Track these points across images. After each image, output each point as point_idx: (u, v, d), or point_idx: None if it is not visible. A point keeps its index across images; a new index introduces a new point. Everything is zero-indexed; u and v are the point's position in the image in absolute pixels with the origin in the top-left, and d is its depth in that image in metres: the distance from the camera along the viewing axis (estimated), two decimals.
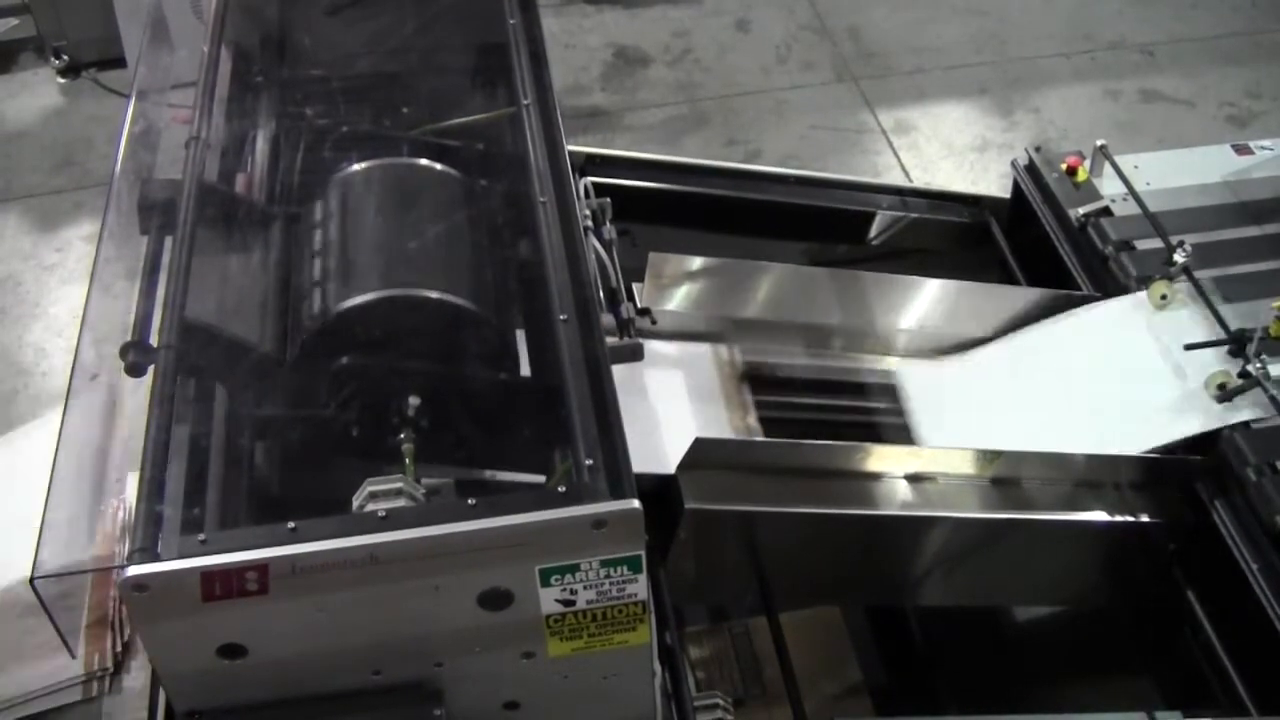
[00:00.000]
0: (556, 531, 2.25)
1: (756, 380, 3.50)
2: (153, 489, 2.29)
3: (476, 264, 2.86)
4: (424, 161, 3.09)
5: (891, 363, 3.66)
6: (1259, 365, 3.32)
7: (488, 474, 2.80)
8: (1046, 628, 3.84)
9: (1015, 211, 4.12)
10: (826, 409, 3.55)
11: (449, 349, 2.72)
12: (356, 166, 3.03)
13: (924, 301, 3.67)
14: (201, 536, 2.23)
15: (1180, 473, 3.30)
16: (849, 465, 3.11)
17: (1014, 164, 4.14)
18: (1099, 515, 3.23)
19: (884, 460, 3.11)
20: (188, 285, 2.62)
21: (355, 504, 2.36)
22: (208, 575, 2.18)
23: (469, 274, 2.81)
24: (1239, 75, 6.90)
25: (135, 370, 2.53)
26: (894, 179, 6.07)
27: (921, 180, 6.10)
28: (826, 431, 3.35)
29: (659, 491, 2.92)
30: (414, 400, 2.64)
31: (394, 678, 2.41)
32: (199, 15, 3.41)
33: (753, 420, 3.39)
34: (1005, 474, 3.20)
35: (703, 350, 3.51)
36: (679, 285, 3.49)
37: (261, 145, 3.24)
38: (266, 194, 3.12)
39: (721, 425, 3.33)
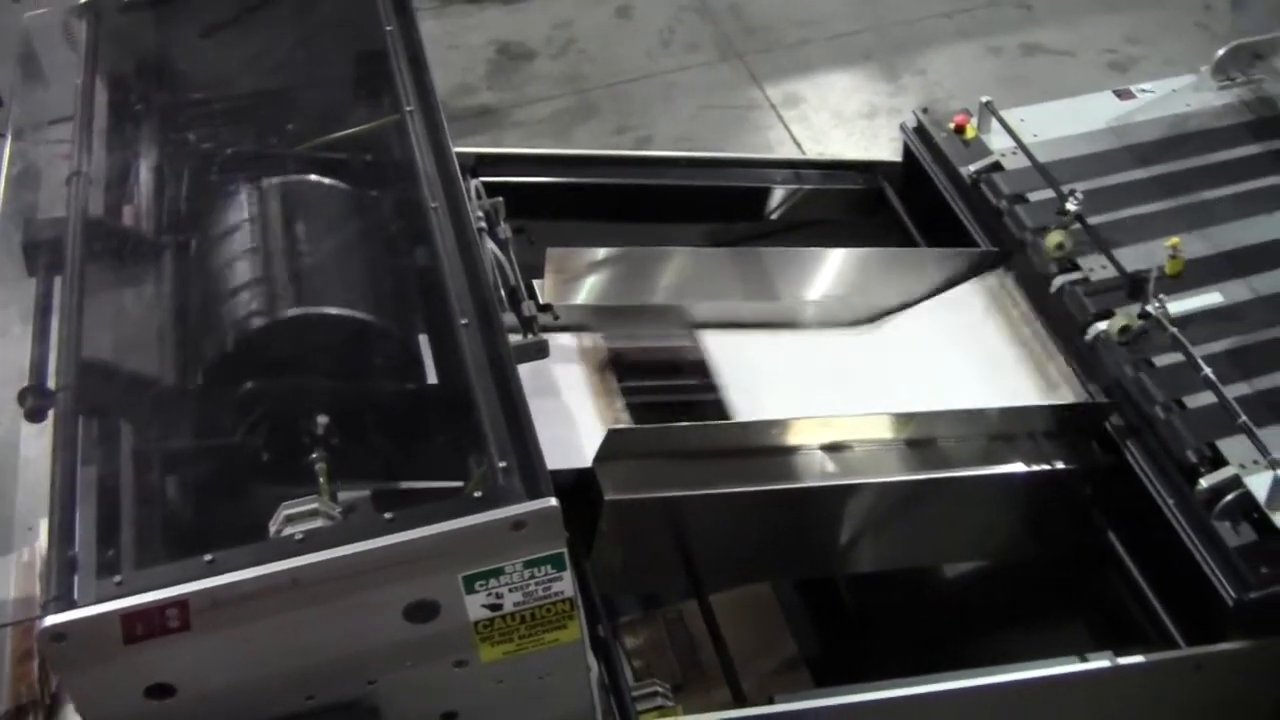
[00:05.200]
0: (476, 537, 2.24)
1: (625, 366, 3.50)
2: (63, 534, 2.26)
3: (373, 276, 2.84)
4: (312, 177, 3.06)
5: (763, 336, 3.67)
6: (1158, 305, 3.36)
7: (404, 485, 2.78)
8: (975, 583, 3.87)
9: (908, 174, 4.15)
10: (694, 389, 3.53)
11: (353, 364, 2.70)
12: (244, 188, 2.99)
13: (827, 272, 3.68)
14: (118, 578, 2.19)
15: (1091, 417, 3.33)
16: (765, 441, 3.11)
17: (903, 127, 4.16)
18: (1016, 466, 3.26)
19: (800, 433, 3.12)
20: (82, 324, 2.58)
21: (272, 529, 2.33)
22: (127, 617, 2.14)
23: (366, 287, 2.80)
24: (1117, 22, 6.97)
25: (35, 415, 2.50)
26: (787, 152, 6.09)
27: (814, 151, 6.12)
28: (696, 412, 3.35)
29: (578, 486, 2.91)
30: (322, 419, 2.62)
31: (328, 700, 2.39)
32: (72, 46, 3.35)
33: (620, 407, 3.37)
34: (921, 435, 3.22)
35: (568, 341, 3.50)
36: (581, 278, 3.49)
37: (146, 175, 3.20)
38: (155, 224, 3.08)
39: (589, 415, 3.32)
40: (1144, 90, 4.24)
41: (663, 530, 3.10)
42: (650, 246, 3.59)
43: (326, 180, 3.04)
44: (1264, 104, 4.17)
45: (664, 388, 3.46)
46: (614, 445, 2.92)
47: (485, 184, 3.42)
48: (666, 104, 6.52)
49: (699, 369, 3.50)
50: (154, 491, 2.61)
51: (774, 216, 4.17)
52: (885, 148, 4.55)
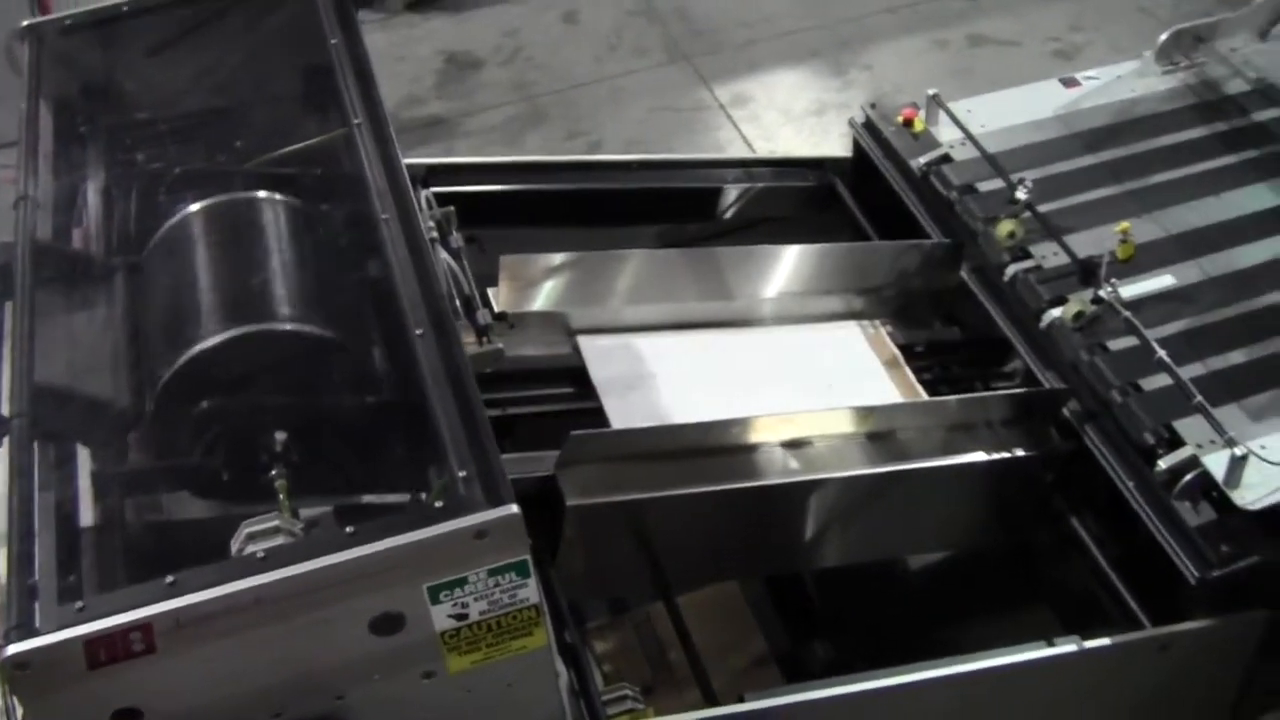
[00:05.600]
0: (438, 547, 2.24)
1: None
2: (23, 562, 2.25)
3: (326, 290, 2.83)
4: (262, 194, 3.05)
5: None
6: (1110, 289, 3.38)
7: (365, 499, 2.77)
8: (941, 573, 3.89)
9: (858, 169, 4.15)
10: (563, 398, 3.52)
11: (308, 379, 2.69)
12: (194, 207, 2.98)
13: (782, 269, 3.69)
14: (79, 604, 2.18)
15: (1049, 403, 3.35)
16: (727, 440, 3.11)
17: (851, 122, 4.17)
18: (976, 455, 3.27)
19: (761, 430, 3.13)
20: (34, 349, 2.57)
21: (234, 548, 2.32)
22: (90, 643, 2.13)
23: (319, 301, 2.79)
24: (1061, 11, 7.02)
25: None
26: (737, 152, 6.10)
27: (764, 150, 6.13)
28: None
29: (540, 493, 2.91)
30: (280, 435, 2.61)
31: (296, 716, 2.38)
32: (15, 69, 3.33)
33: None
34: (881, 428, 3.23)
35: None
36: (536, 285, 3.48)
37: (94, 197, 3.18)
38: (104, 246, 3.06)
39: None
40: (1089, 77, 4.26)
41: (627, 533, 3.10)
42: (604, 250, 3.59)
43: (276, 196, 3.03)
44: (1208, 87, 4.20)
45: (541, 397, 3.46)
46: (575, 450, 2.91)
47: (437, 194, 3.42)
48: (616, 108, 6.53)
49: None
50: (113, 515, 2.60)
51: (727, 216, 4.17)
52: (835, 144, 4.56)
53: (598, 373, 3.42)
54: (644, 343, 3.56)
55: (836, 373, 3.59)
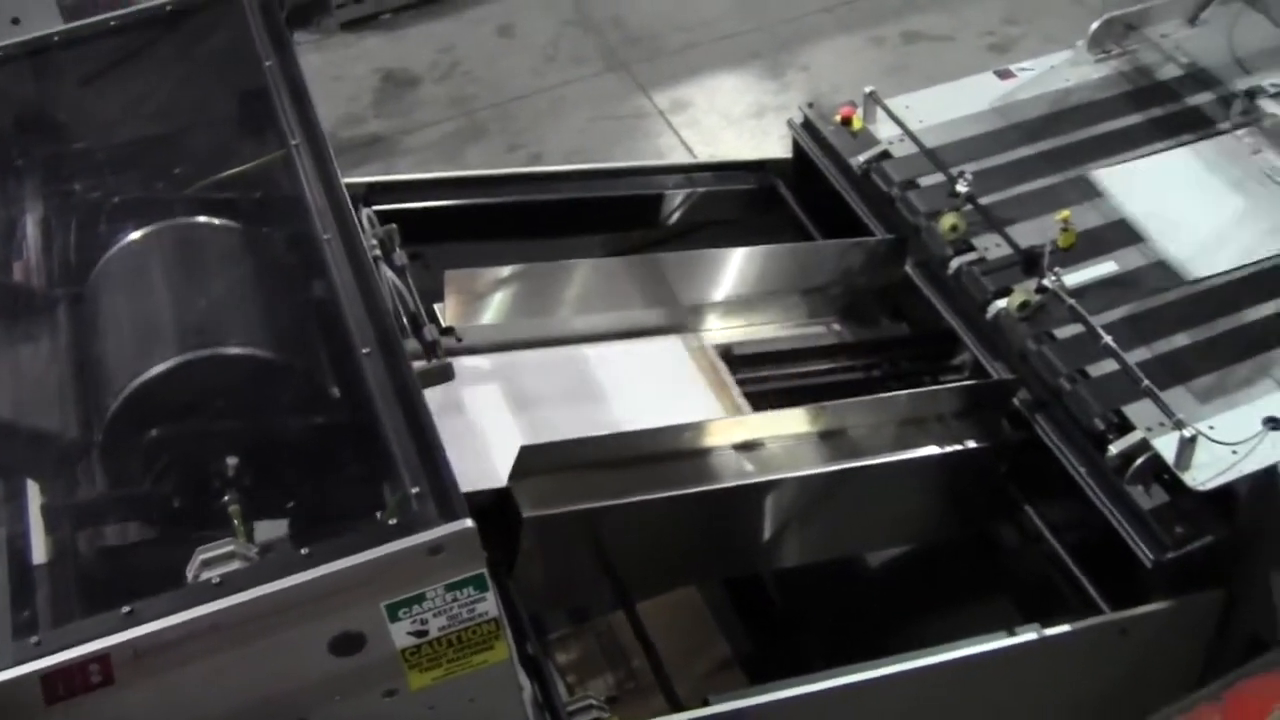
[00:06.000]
0: (395, 565, 2.23)
1: None
2: None
3: (271, 313, 2.82)
4: (202, 219, 3.03)
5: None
6: (1054, 278, 3.40)
7: (320, 519, 2.76)
8: (901, 567, 3.90)
9: (799, 170, 4.17)
10: None
11: (258, 402, 2.68)
12: (135, 235, 2.97)
13: (728, 272, 3.70)
14: (35, 639, 2.16)
15: (998, 394, 3.37)
16: (680, 445, 3.12)
17: (790, 123, 4.19)
18: (930, 449, 3.29)
19: (713, 434, 3.13)
20: None
21: (189, 575, 2.31)
22: (48, 677, 2.12)
23: (265, 324, 2.77)
24: (994, 5, 7.07)
25: None
26: (678, 157, 6.11)
27: (705, 154, 6.15)
28: None
29: (495, 506, 2.90)
30: (232, 460, 2.60)
31: None
32: None
33: None
34: (833, 426, 3.24)
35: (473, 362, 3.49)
36: (482, 299, 3.48)
37: (33, 229, 3.16)
38: (46, 277, 3.04)
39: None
40: (1024, 69, 4.29)
41: (584, 543, 3.10)
42: (549, 261, 3.59)
43: (217, 220, 3.02)
44: (1140, 73, 4.24)
45: None
46: (528, 462, 2.91)
47: (379, 212, 3.41)
48: (555, 119, 6.52)
49: None
50: (66, 547, 2.58)
51: (670, 222, 4.18)
52: (776, 145, 4.57)
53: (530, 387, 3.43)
54: (584, 353, 3.59)
55: None
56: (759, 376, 3.66)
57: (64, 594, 2.48)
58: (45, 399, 2.74)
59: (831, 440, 3.23)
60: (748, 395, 3.55)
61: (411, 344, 2.82)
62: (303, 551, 2.24)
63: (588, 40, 7.03)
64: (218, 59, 3.50)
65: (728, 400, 3.51)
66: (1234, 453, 3.07)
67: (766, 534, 3.29)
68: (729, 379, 3.59)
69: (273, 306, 2.85)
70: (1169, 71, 4.22)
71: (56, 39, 3.41)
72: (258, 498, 2.62)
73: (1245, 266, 3.56)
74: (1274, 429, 3.14)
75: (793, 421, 3.20)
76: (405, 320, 2.93)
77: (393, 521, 2.29)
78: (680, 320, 3.71)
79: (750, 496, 3.17)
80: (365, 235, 2.97)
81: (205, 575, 2.27)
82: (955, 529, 3.60)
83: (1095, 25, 4.28)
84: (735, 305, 3.74)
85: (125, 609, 2.17)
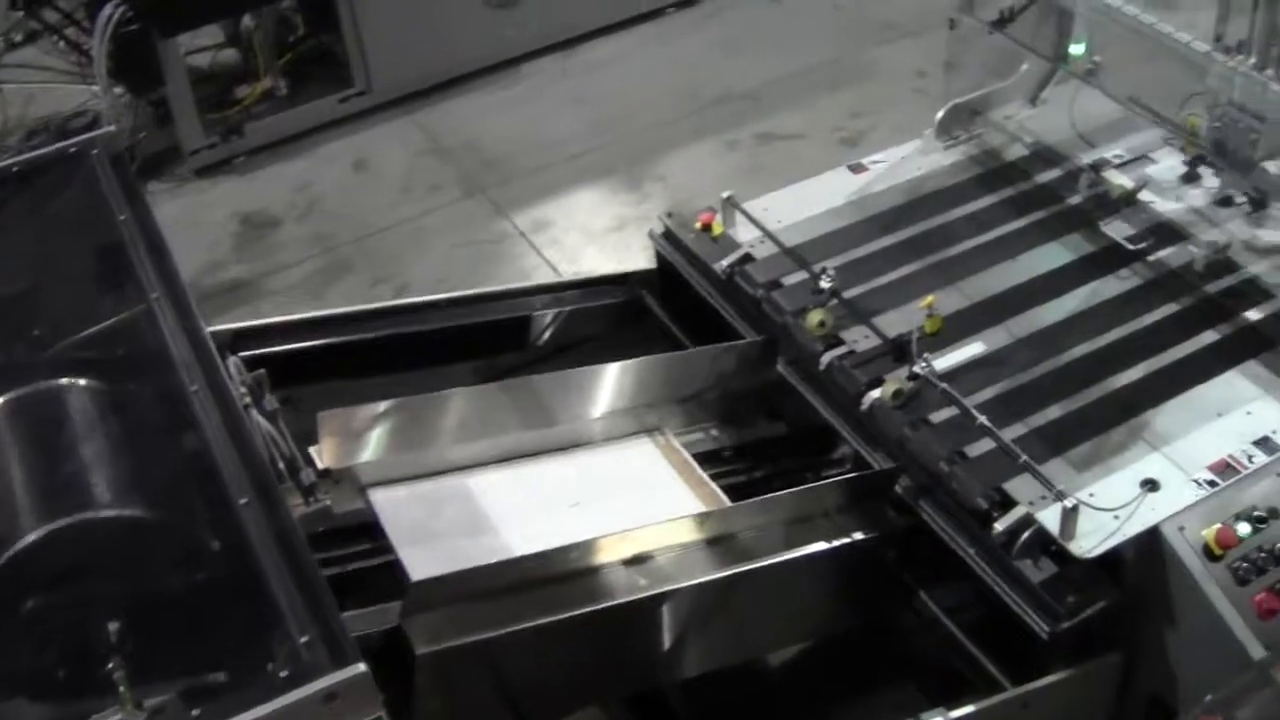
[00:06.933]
0: (289, 717, 2.18)
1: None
2: None
3: (143, 471, 2.77)
4: (64, 380, 2.98)
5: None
6: (924, 364, 3.44)
7: (210, 678, 2.69)
8: (804, 663, 3.88)
9: (664, 279, 4.20)
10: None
11: (135, 563, 2.62)
12: None
13: (603, 388, 3.70)
14: None
15: (881, 484, 3.39)
16: (570, 566, 3.10)
17: (651, 234, 4.22)
18: (818, 545, 3.30)
19: (601, 551, 3.12)
20: None
21: None
22: None
23: (137, 483, 2.72)
24: (841, 100, 7.19)
25: None
26: (543, 277, 6.11)
27: (570, 271, 6.16)
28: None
29: (389, 645, 2.86)
30: (114, 625, 2.53)
31: None
32: None
33: None
34: (720, 531, 3.24)
35: None
36: (358, 438, 3.45)
37: None
38: None
39: None
40: (876, 161, 4.38)
41: (481, 674, 3.06)
42: (422, 394, 3.57)
43: (80, 381, 2.97)
44: (989, 156, 4.34)
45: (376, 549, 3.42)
46: (418, 597, 2.87)
47: (247, 358, 3.38)
48: (418, 249, 6.51)
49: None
50: None
51: (541, 342, 4.18)
52: (639, 257, 4.59)
53: (392, 524, 3.39)
54: (452, 484, 3.57)
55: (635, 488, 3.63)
56: None
57: None
58: None
59: (720, 546, 3.23)
60: None
61: (290, 489, 2.79)
62: (194, 713, 2.19)
63: (443, 168, 7.05)
64: (71, 216, 3.47)
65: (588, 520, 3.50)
66: (1116, 517, 3.12)
67: (664, 646, 3.27)
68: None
69: (144, 465, 2.80)
70: (1016, 152, 4.34)
71: None
72: (144, 661, 2.55)
73: (1108, 334, 3.64)
74: (1152, 490, 3.21)
75: (680, 531, 3.20)
76: (281, 466, 2.91)
77: (284, 673, 2.24)
78: (558, 441, 3.70)
79: (644, 611, 3.15)
80: (234, 384, 2.95)
81: None
82: (853, 620, 3.60)
83: (941, 113, 4.39)
84: (612, 421, 3.73)
85: None
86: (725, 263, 3.93)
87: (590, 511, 3.52)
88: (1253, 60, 3.66)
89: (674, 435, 3.79)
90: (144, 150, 6.89)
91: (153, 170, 6.98)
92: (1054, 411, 3.45)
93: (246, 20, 7.02)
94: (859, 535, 3.33)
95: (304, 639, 2.27)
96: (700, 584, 3.17)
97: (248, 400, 3.02)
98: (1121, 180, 4.08)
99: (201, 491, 2.79)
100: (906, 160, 4.37)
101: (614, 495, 3.58)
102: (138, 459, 2.82)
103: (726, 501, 3.49)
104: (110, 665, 2.51)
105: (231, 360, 3.27)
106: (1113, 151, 4.18)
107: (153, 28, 6.47)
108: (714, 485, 3.58)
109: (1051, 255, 3.95)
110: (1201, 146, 3.85)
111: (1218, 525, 3.11)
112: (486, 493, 3.53)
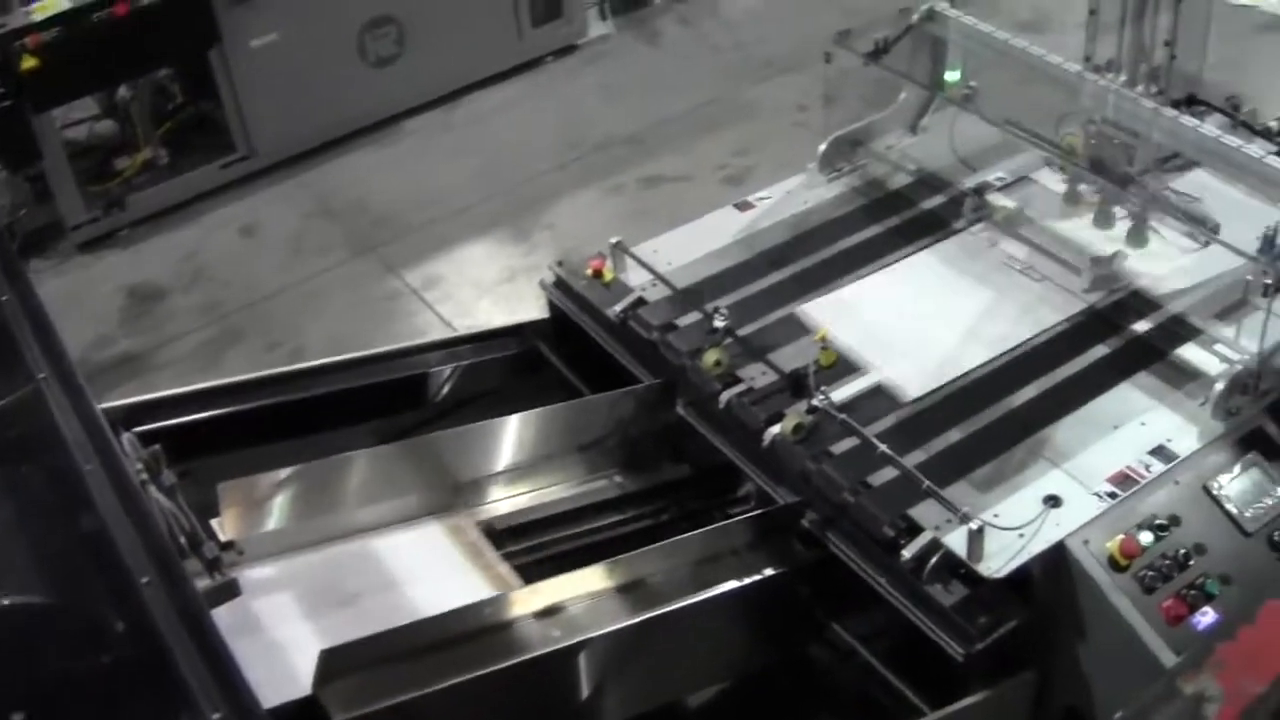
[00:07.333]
0: None
1: None
2: None
3: (39, 556, 2.72)
4: None
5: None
6: (822, 397, 3.46)
7: None
8: (724, 703, 3.87)
9: (558, 328, 4.20)
10: None
11: (37, 651, 2.56)
12: None
13: (504, 442, 3.69)
14: None
15: (786, 518, 3.40)
16: (483, 622, 3.08)
17: (542, 283, 4.22)
18: (729, 584, 3.30)
19: (513, 606, 3.10)
20: None
21: None
22: None
23: (34, 569, 2.67)
24: (723, 139, 7.25)
25: None
26: (437, 333, 6.08)
27: (464, 325, 6.13)
28: None
29: (304, 714, 2.82)
30: (17, 716, 2.47)
31: None
32: None
33: None
34: (630, 578, 3.23)
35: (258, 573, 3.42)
36: (260, 507, 3.41)
37: None
38: None
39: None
40: (762, 198, 4.42)
41: None
42: (322, 459, 3.54)
43: None
44: (873, 186, 4.39)
45: None
46: (330, 665, 2.84)
47: (142, 433, 3.33)
48: (310, 311, 6.46)
49: None
50: None
51: (439, 399, 4.16)
52: (532, 307, 4.59)
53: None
54: (371, 546, 3.54)
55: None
56: (535, 544, 3.67)
57: None
58: None
59: (632, 592, 3.23)
60: (521, 567, 3.53)
61: (193, 564, 2.75)
62: None
63: (332, 229, 7.01)
64: None
65: (495, 577, 3.48)
66: (1021, 535, 3.16)
67: (583, 696, 3.26)
68: (492, 556, 3.56)
69: (40, 548, 2.75)
70: (900, 180, 4.39)
71: None
72: None
73: (1003, 355, 3.68)
74: (1054, 506, 3.24)
75: (590, 580, 3.19)
76: (183, 541, 2.86)
77: None
78: (460, 498, 3.69)
79: (560, 662, 3.14)
80: (129, 461, 2.90)
81: None
82: (769, 656, 3.60)
83: (823, 146, 4.43)
84: (516, 474, 3.72)
85: None
86: (618, 308, 3.94)
87: (471, 575, 3.50)
88: (1123, 78, 3.74)
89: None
90: (24, 227, 6.77)
91: (35, 247, 6.87)
92: (954, 434, 3.49)
93: (122, 91, 6.93)
94: (769, 571, 3.33)
95: (216, 716, 2.23)
96: (614, 631, 3.16)
97: (144, 477, 2.98)
98: (1004, 202, 4.14)
99: (102, 573, 2.73)
100: (792, 195, 4.41)
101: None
102: (34, 543, 2.77)
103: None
104: None
105: (126, 437, 3.22)
106: (994, 174, 4.24)
107: (26, 102, 6.38)
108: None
109: (941, 279, 3.99)
110: (1080, 165, 3.92)
111: (1121, 536, 3.16)
112: (393, 554, 3.50)
